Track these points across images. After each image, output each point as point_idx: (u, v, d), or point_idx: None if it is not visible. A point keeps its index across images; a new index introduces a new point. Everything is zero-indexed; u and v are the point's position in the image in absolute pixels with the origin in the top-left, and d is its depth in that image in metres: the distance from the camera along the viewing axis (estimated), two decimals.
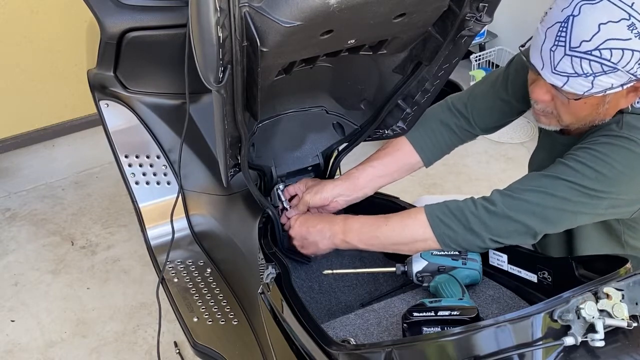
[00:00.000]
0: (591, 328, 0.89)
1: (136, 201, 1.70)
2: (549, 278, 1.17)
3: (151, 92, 1.54)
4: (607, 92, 1.05)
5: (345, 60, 1.20)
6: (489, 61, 3.28)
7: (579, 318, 0.89)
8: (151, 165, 1.68)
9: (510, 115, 1.40)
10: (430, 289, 1.21)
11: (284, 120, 1.39)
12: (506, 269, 1.24)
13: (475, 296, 1.22)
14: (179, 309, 1.54)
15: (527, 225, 1.12)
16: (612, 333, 0.91)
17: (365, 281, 1.39)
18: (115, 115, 1.58)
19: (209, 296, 1.57)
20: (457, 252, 1.20)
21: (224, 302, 1.54)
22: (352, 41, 1.07)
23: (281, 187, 1.42)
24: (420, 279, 1.22)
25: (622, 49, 0.99)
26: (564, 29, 1.02)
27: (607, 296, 0.91)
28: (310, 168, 1.46)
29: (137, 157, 1.66)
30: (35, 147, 3.04)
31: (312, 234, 1.30)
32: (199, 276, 1.63)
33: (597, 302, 0.90)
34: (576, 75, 1.03)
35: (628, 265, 1.01)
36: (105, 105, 1.56)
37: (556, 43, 1.03)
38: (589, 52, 1.01)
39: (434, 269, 1.20)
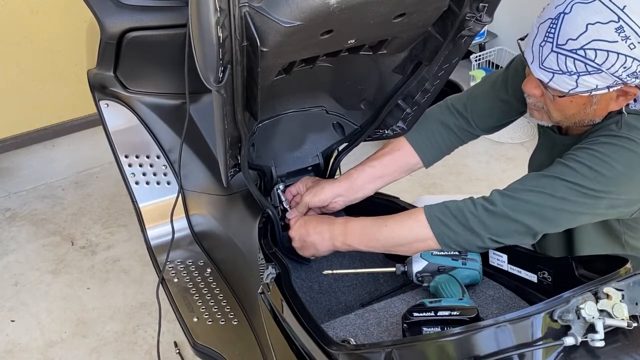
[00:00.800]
0: (591, 328, 0.89)
1: (136, 201, 1.70)
2: (549, 278, 1.16)
3: (151, 92, 1.54)
4: (593, 92, 1.05)
5: (345, 60, 1.20)
6: (489, 61, 3.28)
7: (579, 318, 0.89)
8: (151, 165, 1.68)
9: (510, 116, 1.40)
10: (430, 289, 1.21)
11: (284, 120, 1.38)
12: (506, 269, 1.24)
13: (475, 296, 1.22)
14: (179, 309, 1.54)
15: (526, 225, 1.12)
16: (612, 333, 0.91)
17: (365, 281, 1.39)
18: (115, 115, 1.58)
19: (209, 296, 1.57)
20: (457, 252, 1.19)
21: (224, 302, 1.54)
22: (352, 41, 1.07)
23: (281, 187, 1.42)
24: (420, 279, 1.22)
25: (607, 51, 0.99)
26: (554, 26, 1.03)
27: (607, 296, 0.91)
28: (310, 168, 1.46)
29: (137, 157, 1.66)
30: (35, 147, 3.04)
31: (312, 235, 1.30)
32: (199, 276, 1.63)
33: (597, 302, 0.90)
34: (561, 72, 1.04)
35: (628, 265, 1.01)
36: (105, 105, 1.56)
37: (545, 39, 1.04)
38: (574, 51, 1.01)
39: (434, 269, 1.20)
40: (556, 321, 0.90)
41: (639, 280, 0.95)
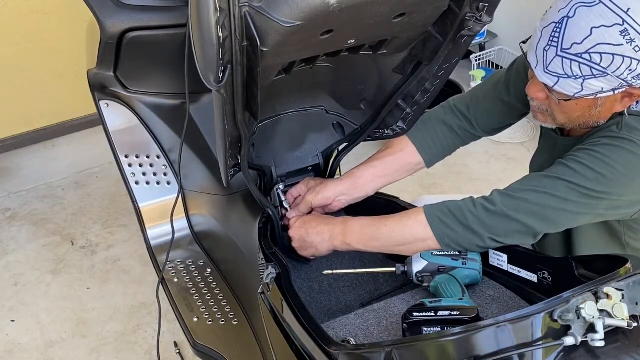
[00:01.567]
0: (591, 328, 0.89)
1: (136, 201, 1.70)
2: (549, 278, 1.16)
3: (151, 92, 1.54)
4: (598, 95, 1.05)
5: (346, 60, 1.20)
6: (489, 61, 3.28)
7: (579, 318, 0.89)
8: (151, 165, 1.68)
9: (511, 118, 1.40)
10: (430, 289, 1.21)
11: (284, 120, 1.39)
12: (506, 269, 1.24)
13: (475, 296, 1.22)
14: (179, 309, 1.54)
15: (526, 225, 1.12)
16: (612, 333, 0.91)
17: (365, 281, 1.39)
18: (115, 115, 1.58)
19: (209, 296, 1.57)
20: (457, 252, 1.20)
21: (224, 302, 1.54)
22: (352, 41, 1.07)
23: (281, 187, 1.42)
24: (420, 279, 1.22)
25: (613, 54, 0.99)
26: (558, 30, 1.02)
27: (607, 296, 0.91)
28: (310, 168, 1.46)
29: (137, 157, 1.66)
30: (35, 147, 3.04)
31: (312, 235, 1.30)
32: (199, 276, 1.63)
33: (597, 302, 0.90)
34: (566, 76, 1.04)
35: (628, 265, 1.01)
36: (105, 105, 1.56)
37: (549, 43, 1.04)
38: (579, 55, 1.01)
39: (434, 269, 1.20)
40: (556, 321, 0.90)
41: (639, 280, 0.95)
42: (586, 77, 1.02)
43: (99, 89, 1.52)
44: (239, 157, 1.23)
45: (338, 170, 1.50)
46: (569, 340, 0.89)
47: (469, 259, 1.20)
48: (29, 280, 2.34)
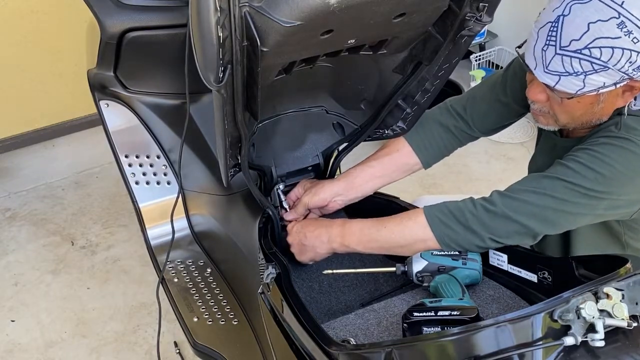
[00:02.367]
0: (591, 328, 0.89)
1: (136, 201, 1.69)
2: (549, 278, 1.17)
3: (151, 92, 1.54)
4: (600, 90, 1.05)
5: (346, 60, 1.20)
6: (489, 61, 3.28)
7: (579, 318, 0.89)
8: (151, 165, 1.68)
9: (508, 118, 1.40)
10: (430, 289, 1.21)
11: (284, 120, 1.38)
12: (506, 269, 1.24)
13: (475, 296, 1.22)
14: (179, 309, 1.54)
15: (526, 226, 1.12)
16: (612, 333, 0.91)
17: (365, 281, 1.39)
18: (115, 115, 1.58)
19: (209, 296, 1.57)
20: (457, 252, 1.20)
21: (224, 302, 1.54)
22: (352, 41, 1.07)
23: (281, 187, 1.42)
24: (420, 279, 1.22)
25: (612, 48, 0.99)
26: (555, 29, 1.02)
27: (607, 296, 0.91)
28: (310, 168, 1.46)
29: (137, 157, 1.66)
30: (35, 147, 3.04)
31: (310, 239, 1.30)
32: (199, 276, 1.63)
33: (597, 302, 0.90)
34: (567, 74, 1.04)
35: (628, 265, 1.01)
36: (105, 105, 1.56)
37: (547, 42, 1.04)
38: (579, 51, 1.01)
39: (434, 269, 1.20)
40: (556, 321, 0.90)
41: (639, 280, 0.96)
42: (587, 73, 1.03)
43: (99, 89, 1.52)
44: (239, 157, 1.23)
45: (338, 170, 1.50)
46: (569, 340, 0.89)
47: (469, 259, 1.20)
48: (29, 280, 2.34)
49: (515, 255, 1.22)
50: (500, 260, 1.24)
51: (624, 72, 1.02)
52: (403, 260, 1.25)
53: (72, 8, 2.66)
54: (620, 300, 0.90)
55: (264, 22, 0.90)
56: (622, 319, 0.89)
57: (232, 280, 1.59)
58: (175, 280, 1.62)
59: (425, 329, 1.06)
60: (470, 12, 1.09)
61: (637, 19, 0.98)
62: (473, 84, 3.02)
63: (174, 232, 1.60)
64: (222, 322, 1.49)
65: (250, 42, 0.92)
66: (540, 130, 1.36)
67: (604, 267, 1.03)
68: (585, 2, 1.00)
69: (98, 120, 1.59)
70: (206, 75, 0.92)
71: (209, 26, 0.85)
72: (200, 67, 0.92)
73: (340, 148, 1.47)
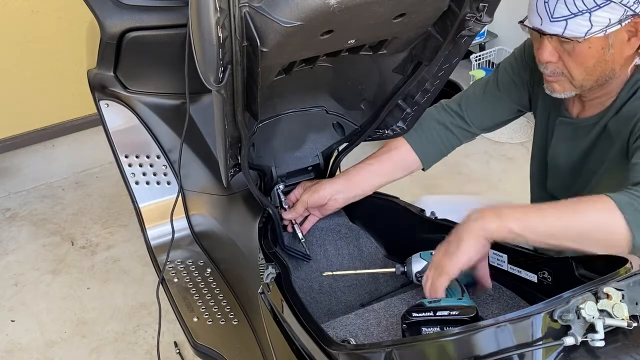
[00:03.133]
0: (591, 328, 0.89)
1: (136, 201, 1.70)
2: (549, 278, 1.16)
3: (151, 92, 1.54)
4: (607, 30, 1.08)
5: (346, 60, 1.20)
6: (489, 61, 3.28)
7: (579, 318, 0.89)
8: (151, 165, 1.68)
9: (504, 115, 1.43)
10: None
11: (284, 120, 1.38)
12: (506, 269, 1.24)
13: (475, 296, 1.22)
14: (179, 309, 1.54)
15: None
16: (612, 333, 0.91)
17: (365, 281, 1.39)
18: (115, 115, 1.58)
19: (209, 296, 1.57)
20: None
21: (224, 302, 1.54)
22: (352, 41, 1.07)
23: (281, 187, 1.42)
24: (420, 279, 1.22)
25: None
26: None
27: (607, 296, 0.91)
28: (310, 168, 1.46)
29: (137, 157, 1.66)
30: (35, 147, 3.04)
31: (452, 245, 1.08)
32: (199, 276, 1.63)
33: (597, 302, 0.90)
34: (573, 15, 1.07)
35: (628, 265, 1.00)
36: (105, 105, 1.56)
37: None
38: None
39: None
40: (556, 321, 0.90)
41: (639, 280, 0.95)
42: (592, 10, 1.06)
43: (99, 89, 1.52)
44: (239, 157, 1.23)
45: (338, 170, 1.50)
46: (569, 340, 0.88)
47: None
48: (29, 280, 2.34)
49: (515, 255, 1.22)
50: (500, 260, 1.24)
51: (626, 5, 1.06)
52: (403, 260, 1.25)
53: (72, 8, 2.66)
54: (620, 300, 0.90)
55: (263, 22, 0.90)
56: (622, 319, 0.89)
57: (232, 280, 1.59)
58: (175, 280, 1.63)
59: (424, 329, 1.06)
60: (470, 13, 1.09)
61: None
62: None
63: (173, 232, 1.60)
64: (222, 322, 1.49)
65: (250, 42, 0.92)
66: (550, 124, 1.35)
67: (604, 267, 1.03)
68: None
69: (98, 120, 1.59)
70: (206, 75, 0.92)
71: (209, 26, 0.85)
72: (200, 67, 0.92)
73: (340, 148, 1.47)
